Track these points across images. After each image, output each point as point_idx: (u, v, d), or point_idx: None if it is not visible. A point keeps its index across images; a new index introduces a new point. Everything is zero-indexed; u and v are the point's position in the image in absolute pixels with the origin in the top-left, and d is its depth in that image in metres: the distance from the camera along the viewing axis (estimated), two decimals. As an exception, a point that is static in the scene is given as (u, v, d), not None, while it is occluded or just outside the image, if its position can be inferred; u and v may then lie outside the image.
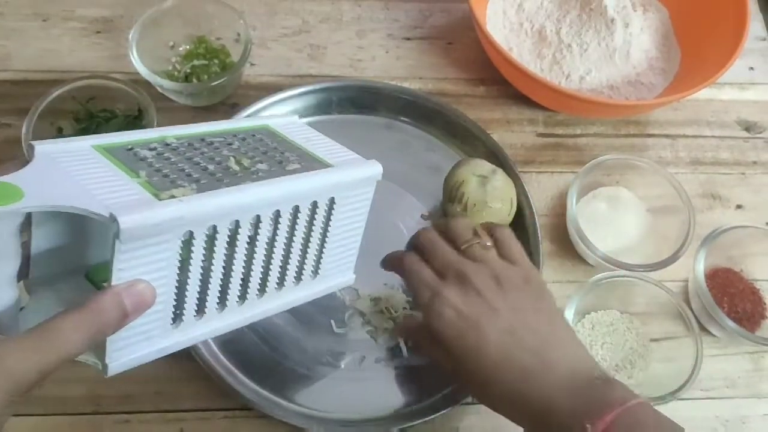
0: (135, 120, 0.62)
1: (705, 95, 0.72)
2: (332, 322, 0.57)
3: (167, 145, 0.41)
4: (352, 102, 0.66)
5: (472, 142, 0.65)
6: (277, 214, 0.41)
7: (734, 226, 0.60)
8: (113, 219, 0.32)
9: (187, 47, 0.67)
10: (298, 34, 0.72)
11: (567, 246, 0.63)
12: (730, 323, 0.56)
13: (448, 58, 0.73)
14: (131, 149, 0.40)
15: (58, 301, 0.39)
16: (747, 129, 0.72)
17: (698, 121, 0.72)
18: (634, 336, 0.58)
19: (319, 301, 0.48)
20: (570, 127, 0.70)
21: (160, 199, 0.35)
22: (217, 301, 0.40)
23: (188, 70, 0.66)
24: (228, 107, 0.66)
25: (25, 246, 0.38)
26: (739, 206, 0.68)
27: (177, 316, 0.39)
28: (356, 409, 0.53)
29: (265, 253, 0.41)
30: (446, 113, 0.66)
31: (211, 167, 0.40)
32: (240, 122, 0.49)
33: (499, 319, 0.45)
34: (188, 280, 0.38)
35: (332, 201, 0.44)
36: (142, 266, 0.35)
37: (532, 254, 0.59)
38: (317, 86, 0.65)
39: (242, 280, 0.41)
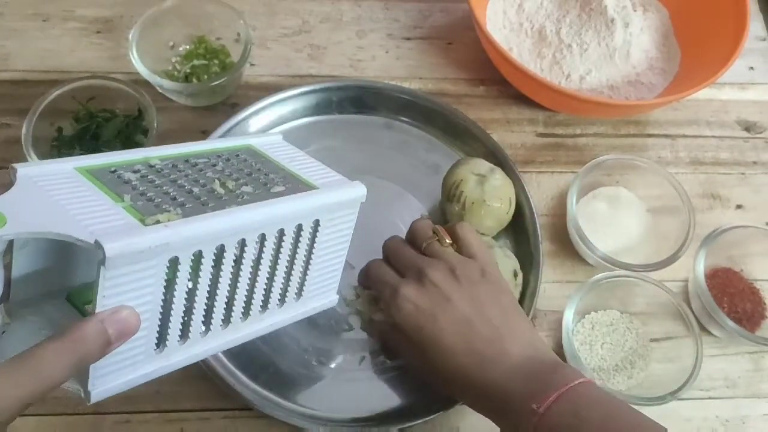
0: (135, 120, 0.62)
1: (705, 95, 0.72)
2: (332, 322, 0.57)
3: (151, 166, 0.41)
4: (352, 102, 0.66)
5: (472, 142, 0.65)
6: (263, 238, 0.40)
7: (734, 226, 0.60)
8: (98, 246, 0.32)
9: (187, 47, 0.67)
10: (298, 34, 0.72)
11: (567, 246, 0.63)
12: (730, 323, 0.56)
13: (448, 58, 0.73)
14: (114, 171, 0.39)
15: (40, 322, 0.38)
16: (747, 129, 0.72)
17: (698, 121, 0.72)
18: (634, 336, 0.58)
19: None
20: (570, 127, 0.70)
21: (145, 225, 0.34)
22: (202, 325, 0.40)
23: (188, 70, 0.66)
24: (228, 107, 0.66)
25: (7, 268, 0.37)
26: (739, 206, 0.68)
27: (161, 341, 0.38)
28: (356, 409, 0.53)
29: (249, 276, 0.41)
30: (446, 113, 0.66)
31: (195, 190, 0.40)
32: (223, 142, 0.48)
33: (455, 310, 0.47)
34: (173, 305, 0.37)
35: (317, 223, 0.43)
36: (126, 292, 0.34)
37: (533, 254, 0.59)
38: (317, 86, 0.65)
39: (226, 303, 0.41)
